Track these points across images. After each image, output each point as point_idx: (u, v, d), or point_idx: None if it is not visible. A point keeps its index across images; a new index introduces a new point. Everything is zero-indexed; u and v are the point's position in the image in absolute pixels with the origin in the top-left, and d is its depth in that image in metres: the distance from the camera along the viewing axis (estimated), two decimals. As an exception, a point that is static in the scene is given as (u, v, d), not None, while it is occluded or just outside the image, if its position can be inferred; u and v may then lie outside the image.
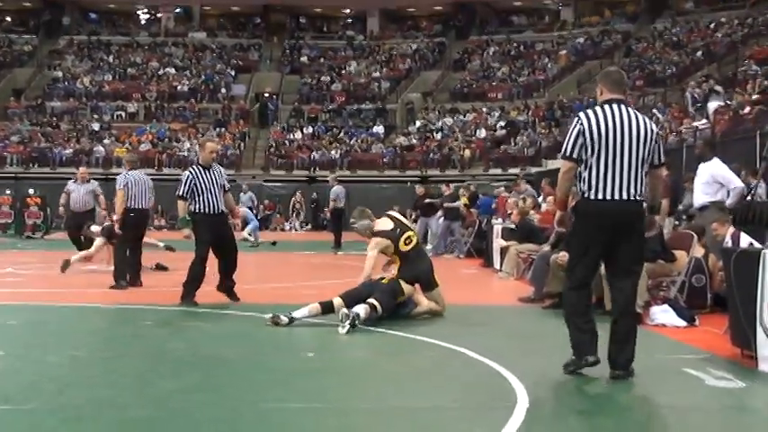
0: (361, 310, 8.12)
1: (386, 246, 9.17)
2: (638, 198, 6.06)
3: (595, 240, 6.11)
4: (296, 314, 8.38)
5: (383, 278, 8.93)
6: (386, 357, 7.13)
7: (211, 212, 10.15)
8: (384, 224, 9.34)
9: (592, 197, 6.04)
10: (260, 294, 11.19)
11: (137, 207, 12.30)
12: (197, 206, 10.19)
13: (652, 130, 6.15)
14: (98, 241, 14.60)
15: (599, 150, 6.00)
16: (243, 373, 6.28)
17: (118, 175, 12.97)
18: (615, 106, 6.11)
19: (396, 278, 8.89)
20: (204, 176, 10.18)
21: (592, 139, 6.00)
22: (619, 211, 6.04)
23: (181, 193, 10.23)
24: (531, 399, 5.36)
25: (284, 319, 8.29)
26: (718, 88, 25.93)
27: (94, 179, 17.45)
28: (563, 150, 6.16)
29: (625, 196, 6.01)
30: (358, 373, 6.37)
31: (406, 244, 9.19)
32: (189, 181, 10.18)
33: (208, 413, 5.05)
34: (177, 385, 5.78)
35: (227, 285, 10.35)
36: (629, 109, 6.16)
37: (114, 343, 7.66)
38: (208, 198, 10.15)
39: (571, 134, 6.09)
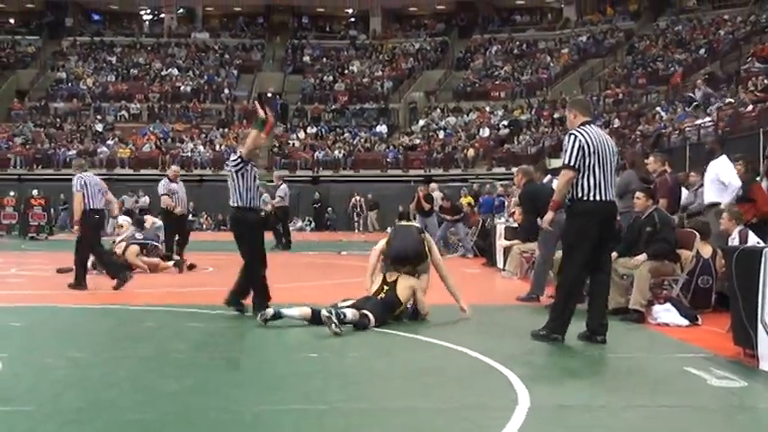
0: (348, 311, 8.11)
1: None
2: (614, 198, 7.63)
3: (592, 233, 7.37)
4: (285, 311, 8.37)
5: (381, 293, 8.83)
6: (387, 357, 7.10)
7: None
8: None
9: (591, 198, 7.31)
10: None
11: (96, 208, 12.21)
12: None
13: (614, 145, 7.75)
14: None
15: (592, 161, 7.29)
16: (243, 375, 6.26)
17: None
18: (593, 126, 7.58)
19: (392, 290, 8.75)
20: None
21: (589, 151, 7.29)
22: (607, 209, 7.49)
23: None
24: (533, 398, 5.34)
25: (270, 312, 8.30)
26: (709, 90, 26.11)
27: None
28: (566, 161, 7.34)
29: (610, 197, 7.47)
30: (359, 374, 6.35)
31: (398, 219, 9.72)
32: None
33: (208, 415, 5.03)
34: (177, 387, 5.75)
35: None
36: (600, 129, 7.81)
37: (115, 345, 7.64)
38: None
39: (573, 147, 7.32)
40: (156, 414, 5.06)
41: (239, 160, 9.35)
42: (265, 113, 9.46)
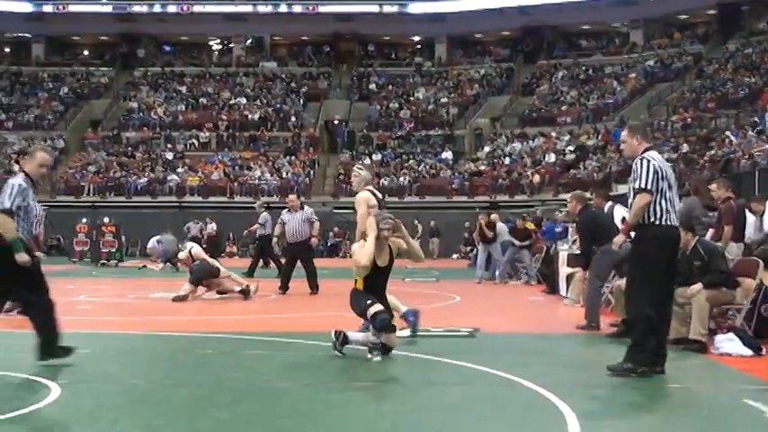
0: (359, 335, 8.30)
1: (372, 205, 9.43)
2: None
3: (664, 259, 7.30)
4: (350, 335, 8.40)
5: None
6: (441, 387, 7.06)
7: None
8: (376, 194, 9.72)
9: (664, 223, 7.26)
10: (320, 323, 11.23)
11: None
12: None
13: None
14: (186, 286, 14.89)
15: (664, 185, 7.27)
16: (299, 404, 6.26)
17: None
18: (656, 152, 7.60)
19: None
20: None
21: (661, 176, 7.26)
22: (677, 234, 7.49)
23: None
24: (584, 429, 5.27)
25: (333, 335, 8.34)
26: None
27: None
28: (644, 185, 7.23)
29: (678, 222, 7.45)
30: (413, 404, 6.33)
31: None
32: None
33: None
34: (231, 416, 5.79)
35: None
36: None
37: (174, 371, 7.75)
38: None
39: (648, 171, 7.26)
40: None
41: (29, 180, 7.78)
42: None
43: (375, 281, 8.38)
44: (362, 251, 8.33)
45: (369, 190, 9.83)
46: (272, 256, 22.44)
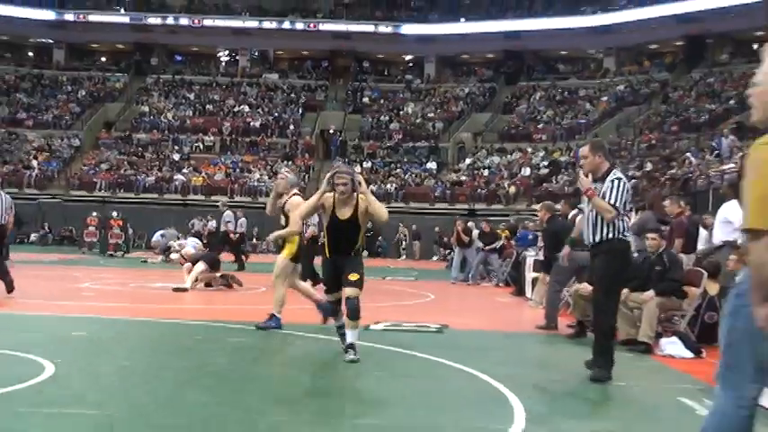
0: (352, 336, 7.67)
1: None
2: None
3: (626, 271, 7.41)
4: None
5: None
6: (404, 378, 7.08)
7: None
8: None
9: (626, 238, 7.19)
10: (303, 315, 11.26)
11: None
12: None
13: None
14: (199, 266, 14.87)
15: (629, 205, 7.43)
16: (273, 389, 6.29)
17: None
18: (620, 171, 7.40)
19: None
20: None
21: (628, 198, 7.23)
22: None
23: None
24: (528, 420, 5.31)
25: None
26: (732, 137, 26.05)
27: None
28: (618, 203, 6.96)
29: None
30: (377, 392, 6.35)
31: None
32: None
33: (232, 428, 5.04)
34: (210, 398, 5.78)
35: None
36: None
37: (162, 356, 7.76)
38: None
39: (623, 192, 7.03)
40: (182, 421, 5.12)
41: None
42: None
43: (338, 236, 7.70)
44: (304, 203, 8.16)
45: (296, 194, 9.69)
46: (238, 252, 22.62)
